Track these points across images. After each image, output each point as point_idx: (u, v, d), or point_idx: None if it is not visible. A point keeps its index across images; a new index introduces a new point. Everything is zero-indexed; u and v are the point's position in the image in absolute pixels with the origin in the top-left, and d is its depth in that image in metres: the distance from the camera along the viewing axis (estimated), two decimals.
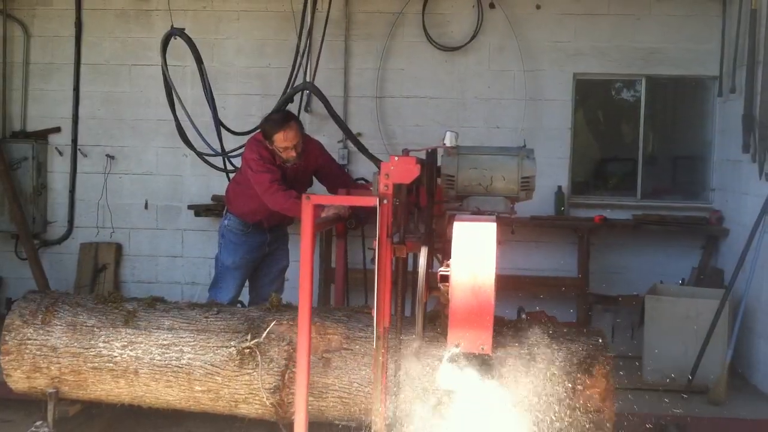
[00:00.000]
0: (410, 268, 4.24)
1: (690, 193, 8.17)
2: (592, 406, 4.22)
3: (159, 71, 7.16)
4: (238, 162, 6.81)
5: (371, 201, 3.85)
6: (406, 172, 3.80)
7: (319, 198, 4.13)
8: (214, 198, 8.07)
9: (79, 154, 8.35)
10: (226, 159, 6.99)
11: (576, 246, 7.63)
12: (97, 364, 4.85)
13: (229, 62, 8.15)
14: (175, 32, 6.55)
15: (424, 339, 3.92)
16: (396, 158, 3.81)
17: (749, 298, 6.46)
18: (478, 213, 3.88)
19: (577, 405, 4.16)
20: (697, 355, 6.30)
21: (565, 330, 4.59)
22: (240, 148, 6.60)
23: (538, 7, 7.95)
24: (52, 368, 4.90)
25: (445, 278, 3.47)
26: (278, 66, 7.98)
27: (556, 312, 6.35)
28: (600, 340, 4.47)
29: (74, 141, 8.34)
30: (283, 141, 5.79)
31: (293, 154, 5.85)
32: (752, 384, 6.63)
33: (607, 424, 4.27)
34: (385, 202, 3.77)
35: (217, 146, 6.87)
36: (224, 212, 6.42)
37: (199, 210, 8.05)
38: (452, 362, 3.46)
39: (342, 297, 6.37)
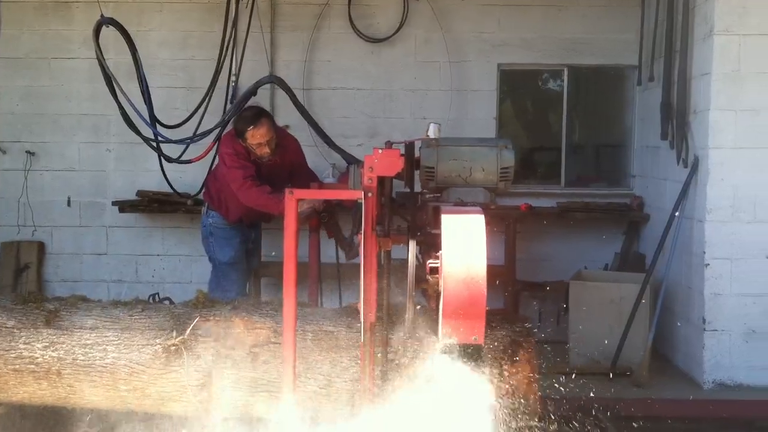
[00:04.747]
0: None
1: (612, 181, 8.37)
2: (518, 391, 4.28)
3: (80, 64, 6.97)
4: (170, 150, 6.58)
5: (356, 194, 3.77)
6: (391, 165, 3.73)
7: (302, 192, 3.99)
8: (139, 193, 7.92)
9: None
10: (158, 145, 6.73)
11: (503, 234, 7.69)
12: (18, 366, 4.69)
13: (152, 54, 7.93)
14: (106, 20, 6.24)
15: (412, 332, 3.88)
16: (380, 151, 3.73)
17: (669, 282, 6.65)
18: (462, 204, 3.87)
19: (502, 391, 4.21)
20: (620, 338, 6.47)
21: (491, 317, 4.64)
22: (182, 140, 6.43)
23: None
24: None
25: (435, 270, 3.45)
26: (203, 58, 7.87)
27: None
28: (525, 326, 4.53)
29: None
30: (254, 138, 5.76)
31: (267, 150, 5.81)
32: (674, 365, 6.83)
33: (533, 409, 4.34)
34: (369, 195, 3.68)
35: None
36: (205, 209, 6.33)
37: (124, 206, 7.90)
38: (445, 353, 3.44)
39: (315, 293, 6.29)
